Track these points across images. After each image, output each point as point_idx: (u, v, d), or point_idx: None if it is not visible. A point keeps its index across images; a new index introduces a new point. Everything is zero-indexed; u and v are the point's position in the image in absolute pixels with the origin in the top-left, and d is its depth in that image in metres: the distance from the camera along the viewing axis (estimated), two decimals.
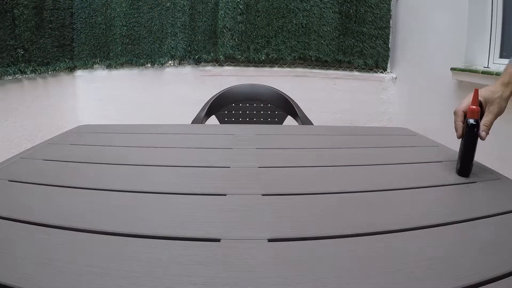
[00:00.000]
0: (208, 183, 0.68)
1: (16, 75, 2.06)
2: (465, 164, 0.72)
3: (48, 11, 2.30)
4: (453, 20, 2.01)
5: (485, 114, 0.73)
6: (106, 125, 1.16)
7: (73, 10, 2.56)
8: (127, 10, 2.61)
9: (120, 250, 0.45)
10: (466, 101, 0.74)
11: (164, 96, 2.72)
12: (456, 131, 0.74)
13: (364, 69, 2.80)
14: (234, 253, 0.45)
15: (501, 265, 0.42)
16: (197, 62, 2.74)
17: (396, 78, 2.77)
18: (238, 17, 2.63)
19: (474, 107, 0.70)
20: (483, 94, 0.74)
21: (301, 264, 0.42)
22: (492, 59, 1.87)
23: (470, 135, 0.71)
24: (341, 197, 0.62)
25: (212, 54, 2.72)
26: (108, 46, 2.67)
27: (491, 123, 0.72)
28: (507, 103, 0.74)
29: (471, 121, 0.70)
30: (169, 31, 2.65)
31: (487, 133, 0.71)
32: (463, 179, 0.70)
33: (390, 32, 2.75)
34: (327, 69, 2.79)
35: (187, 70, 2.74)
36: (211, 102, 1.52)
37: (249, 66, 2.76)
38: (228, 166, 0.76)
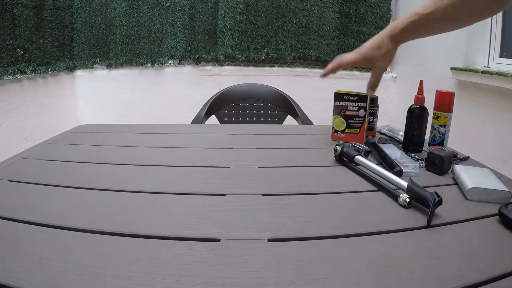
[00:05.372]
0: (208, 183, 0.68)
1: (16, 75, 2.06)
2: (409, 142, 0.88)
3: (48, 11, 2.30)
4: None
5: (372, 72, 0.79)
6: (106, 125, 1.16)
7: (73, 9, 2.56)
8: (127, 9, 2.61)
9: (120, 250, 0.45)
10: (354, 56, 0.78)
11: (164, 96, 2.72)
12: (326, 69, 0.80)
13: (364, 68, 2.80)
14: (234, 253, 0.45)
15: (501, 265, 0.42)
16: (197, 61, 2.74)
17: (396, 77, 2.77)
18: (238, 16, 2.63)
19: (420, 96, 0.87)
20: (364, 52, 0.76)
21: (301, 264, 0.42)
22: (492, 59, 1.87)
23: (415, 119, 0.86)
24: (341, 197, 0.62)
25: (212, 54, 2.72)
26: (108, 45, 2.66)
27: (379, 81, 0.79)
28: (392, 56, 0.76)
29: (417, 106, 0.87)
30: (169, 30, 2.65)
31: (374, 91, 0.80)
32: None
33: None
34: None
35: (187, 70, 2.74)
36: (211, 102, 1.52)
37: (249, 65, 2.75)
38: (228, 166, 0.76)
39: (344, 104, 0.92)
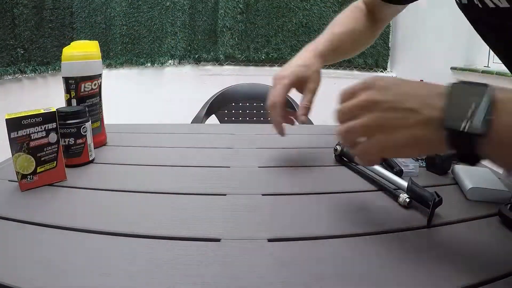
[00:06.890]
0: (208, 183, 0.68)
1: (16, 75, 2.06)
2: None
3: (48, 11, 2.30)
4: (453, 19, 2.01)
5: (304, 93, 0.71)
6: (105, 125, 1.16)
7: (73, 9, 2.56)
8: (127, 9, 2.61)
9: (120, 250, 0.45)
10: (286, 82, 0.71)
11: (164, 96, 2.72)
12: (277, 127, 0.72)
13: (364, 68, 2.80)
14: (234, 253, 0.45)
15: (501, 265, 0.42)
16: (197, 61, 2.74)
17: (396, 77, 2.77)
18: (238, 16, 2.63)
19: None
20: (296, 71, 0.71)
21: (301, 264, 0.42)
22: (492, 59, 1.87)
23: None
24: (341, 197, 0.62)
25: (212, 54, 2.72)
26: (108, 45, 2.66)
27: (311, 102, 0.71)
28: (320, 77, 0.74)
29: None
30: (169, 30, 2.65)
31: (307, 116, 0.70)
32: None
33: (390, 31, 2.74)
34: (327, 68, 2.77)
35: (187, 70, 2.74)
36: (211, 102, 1.52)
37: (249, 65, 2.76)
38: (228, 166, 0.76)
39: (25, 133, 0.59)
